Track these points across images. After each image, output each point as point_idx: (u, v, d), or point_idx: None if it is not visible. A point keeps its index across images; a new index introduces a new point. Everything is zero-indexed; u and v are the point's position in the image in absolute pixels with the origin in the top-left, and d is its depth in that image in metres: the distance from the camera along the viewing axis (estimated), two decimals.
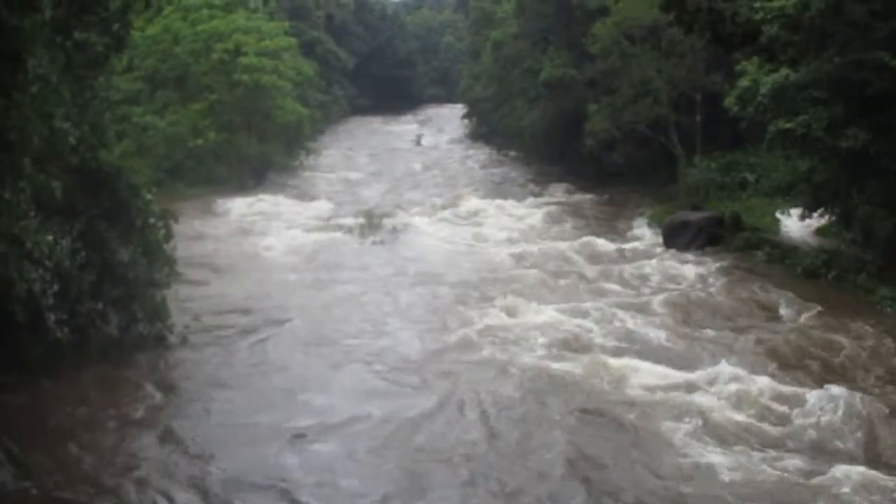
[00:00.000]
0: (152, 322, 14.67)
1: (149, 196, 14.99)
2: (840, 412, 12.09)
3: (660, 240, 24.63)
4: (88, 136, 13.84)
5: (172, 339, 14.86)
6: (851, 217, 20.26)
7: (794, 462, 10.95)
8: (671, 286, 19.80)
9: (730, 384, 13.07)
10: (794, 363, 14.52)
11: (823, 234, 22.58)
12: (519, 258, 22.36)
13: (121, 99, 30.00)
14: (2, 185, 10.66)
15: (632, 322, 16.63)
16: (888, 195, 18.82)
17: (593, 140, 32.53)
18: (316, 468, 10.87)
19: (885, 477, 10.45)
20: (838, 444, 11.51)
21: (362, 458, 11.09)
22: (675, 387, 13.23)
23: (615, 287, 19.78)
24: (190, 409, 12.81)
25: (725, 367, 13.70)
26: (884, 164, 18.57)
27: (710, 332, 16.30)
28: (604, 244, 24.39)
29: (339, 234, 25.56)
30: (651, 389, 13.19)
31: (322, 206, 30.24)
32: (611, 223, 28.20)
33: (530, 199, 32.34)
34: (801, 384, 13.37)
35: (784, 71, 19.89)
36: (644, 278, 20.59)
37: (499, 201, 31.49)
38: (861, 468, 10.67)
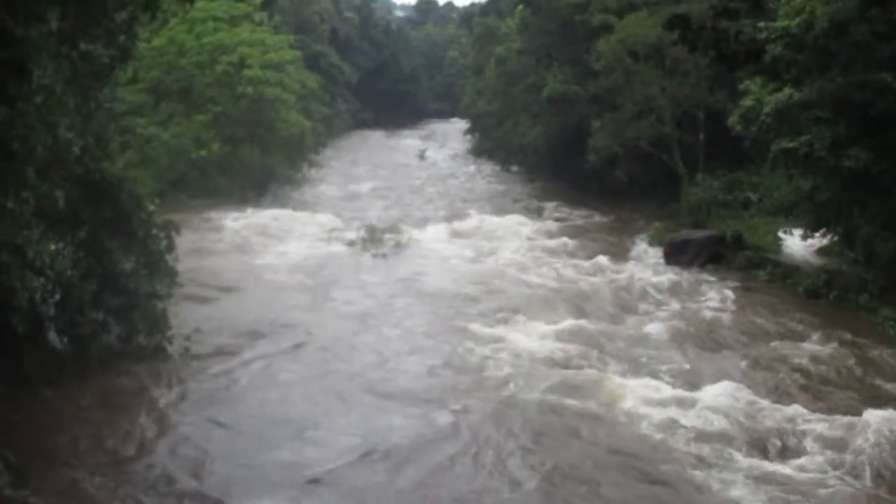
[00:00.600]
0: (152, 333, 14.64)
1: (151, 207, 15.00)
2: (846, 434, 12.07)
3: (661, 258, 24.61)
4: (92, 146, 13.86)
5: (172, 350, 14.83)
6: (853, 237, 20.26)
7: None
8: (672, 305, 19.76)
9: (731, 405, 13.04)
10: (792, 383, 14.46)
11: (825, 253, 22.58)
12: (520, 275, 22.30)
13: (125, 110, 30.17)
14: (5, 194, 10.66)
15: (632, 341, 16.61)
16: (890, 215, 18.83)
17: (596, 156, 32.57)
18: None
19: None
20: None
21: None
22: (673, 402, 13.23)
23: (616, 305, 19.74)
24: (191, 429, 12.46)
25: (725, 388, 13.68)
26: (886, 185, 18.60)
27: (709, 352, 16.26)
28: (605, 261, 24.35)
29: (341, 248, 25.53)
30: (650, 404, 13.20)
31: (325, 220, 30.21)
32: (612, 240, 28.18)
33: (532, 216, 32.35)
34: (796, 404, 13.33)
35: (787, 90, 19.95)
36: (645, 296, 20.55)
37: (501, 217, 31.49)
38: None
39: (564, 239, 27.64)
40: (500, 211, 33.39)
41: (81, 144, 13.12)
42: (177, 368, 14.53)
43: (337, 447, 11.89)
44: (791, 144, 19.92)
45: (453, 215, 31.97)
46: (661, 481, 11.10)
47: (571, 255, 25.31)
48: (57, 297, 13.42)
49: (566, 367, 15.08)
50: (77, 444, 11.63)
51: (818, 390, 14.22)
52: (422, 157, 54.77)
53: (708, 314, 18.80)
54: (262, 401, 13.47)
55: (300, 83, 41.90)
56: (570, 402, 13.39)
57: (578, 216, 32.47)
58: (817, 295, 20.05)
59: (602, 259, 24.39)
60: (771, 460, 11.60)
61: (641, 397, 13.44)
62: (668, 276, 22.67)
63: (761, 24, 18.28)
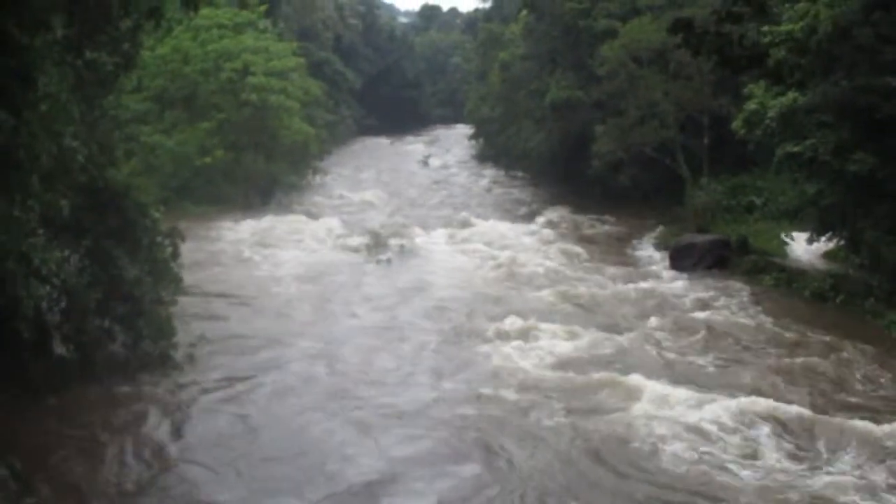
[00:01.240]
0: (157, 340, 14.64)
1: (156, 214, 15.02)
2: (849, 439, 12.05)
3: (666, 262, 24.60)
4: (97, 154, 13.89)
5: (177, 358, 14.83)
6: (859, 241, 20.21)
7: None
8: (677, 308, 19.73)
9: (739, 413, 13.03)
10: (796, 387, 14.43)
11: (831, 258, 22.54)
12: (526, 281, 22.29)
13: (130, 118, 30.27)
14: (10, 202, 10.69)
15: (639, 345, 16.59)
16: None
17: (600, 161, 32.57)
18: None
19: None
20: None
21: None
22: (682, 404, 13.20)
23: (621, 309, 19.71)
24: (197, 440, 12.36)
25: (727, 391, 13.68)
26: (891, 189, 18.56)
27: (715, 356, 16.23)
28: (610, 266, 24.41)
29: (346, 254, 25.56)
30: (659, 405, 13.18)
31: (329, 226, 30.25)
32: (617, 245, 28.18)
33: (537, 221, 32.35)
34: (803, 409, 13.30)
35: (791, 94, 19.93)
36: (650, 300, 20.52)
37: (506, 223, 31.56)
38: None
39: (569, 244, 27.63)
40: (505, 217, 33.46)
41: (86, 152, 13.14)
42: (182, 376, 14.54)
43: (352, 485, 11.13)
44: (795, 148, 19.90)
45: (457, 221, 31.96)
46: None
47: (576, 260, 25.29)
48: (62, 304, 13.42)
49: (581, 377, 14.74)
50: (82, 452, 11.64)
51: (825, 395, 14.18)
52: (425, 162, 54.79)
53: (714, 319, 18.75)
54: (269, 422, 12.95)
55: (304, 90, 41.97)
56: (593, 421, 12.96)
57: (583, 221, 32.44)
58: (823, 299, 20.02)
59: (607, 263, 24.44)
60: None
61: (657, 403, 13.41)
62: (674, 280, 22.68)
63: (765, 28, 18.31)
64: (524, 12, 43.00)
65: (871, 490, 10.79)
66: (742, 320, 18.61)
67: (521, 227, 30.68)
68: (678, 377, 14.76)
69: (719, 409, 13.01)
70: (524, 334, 17.11)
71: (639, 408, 13.26)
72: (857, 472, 11.26)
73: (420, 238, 27.93)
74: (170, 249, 15.16)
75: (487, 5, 76.34)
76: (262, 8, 41.19)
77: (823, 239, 22.00)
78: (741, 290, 21.31)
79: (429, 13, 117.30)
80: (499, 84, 47.63)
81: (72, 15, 11.77)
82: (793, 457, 11.79)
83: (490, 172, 49.44)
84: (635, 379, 14.39)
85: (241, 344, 16.46)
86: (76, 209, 13.03)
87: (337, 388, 14.45)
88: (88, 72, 13.17)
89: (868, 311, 18.66)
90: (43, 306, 12.29)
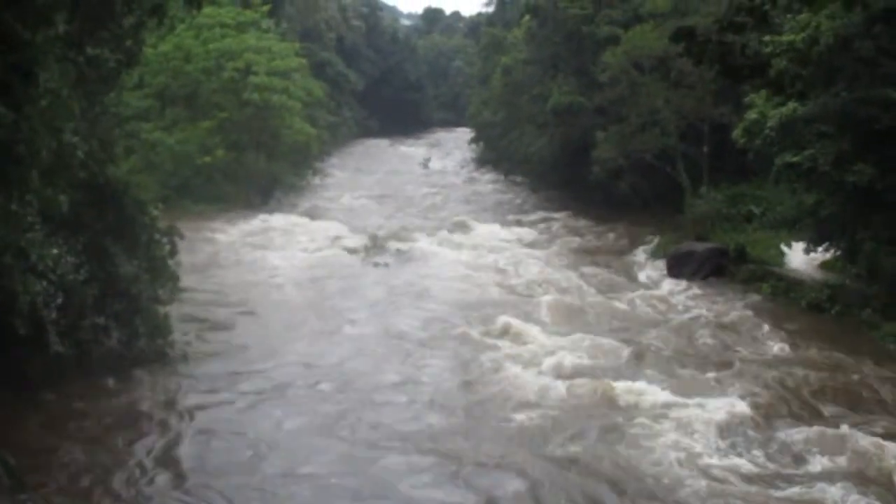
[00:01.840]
0: (154, 338, 14.65)
1: (155, 212, 15.04)
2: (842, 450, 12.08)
3: (664, 270, 24.60)
4: (97, 150, 13.91)
5: (173, 355, 14.84)
6: (857, 252, 20.20)
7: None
8: (673, 316, 19.73)
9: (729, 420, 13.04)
10: (792, 398, 14.41)
11: (829, 268, 22.51)
12: (525, 287, 22.26)
13: (131, 115, 30.31)
14: (9, 197, 10.70)
15: (635, 353, 16.59)
16: (894, 230, 18.79)
17: (600, 168, 32.57)
18: None
19: None
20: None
21: None
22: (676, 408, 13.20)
23: (620, 317, 19.72)
24: (189, 438, 12.28)
25: (724, 400, 13.68)
26: (890, 200, 18.56)
27: (711, 365, 16.22)
28: (608, 272, 24.43)
29: (345, 256, 25.56)
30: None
31: (328, 227, 30.26)
32: (616, 251, 28.19)
33: (536, 226, 32.37)
34: (798, 420, 13.31)
35: (792, 104, 19.93)
36: (648, 308, 20.53)
37: (505, 227, 31.54)
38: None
39: (568, 250, 27.68)
40: (504, 221, 33.43)
41: (86, 148, 13.17)
42: (177, 373, 14.54)
43: None
44: (795, 159, 19.90)
45: (456, 225, 31.95)
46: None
47: (574, 265, 25.30)
48: (59, 300, 13.40)
49: (584, 391, 14.39)
50: (77, 448, 11.63)
51: (814, 406, 14.17)
52: (426, 165, 54.80)
53: (710, 328, 18.75)
54: (266, 450, 12.11)
55: (306, 91, 42.03)
56: (598, 442, 12.64)
57: (582, 227, 32.46)
58: (820, 309, 20.01)
59: (606, 269, 24.45)
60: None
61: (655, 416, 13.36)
62: (671, 288, 22.68)
63: (766, 38, 18.29)
64: (527, 17, 43.00)
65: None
66: (739, 330, 18.60)
67: (520, 232, 30.69)
68: (675, 387, 14.71)
69: (709, 419, 13.03)
70: (526, 345, 16.77)
71: (640, 421, 13.18)
72: (852, 485, 11.24)
73: (418, 241, 27.92)
74: (168, 247, 15.18)
75: (490, 9, 76.48)
76: (265, 8, 41.24)
77: (821, 249, 21.99)
78: (738, 299, 21.32)
79: (432, 16, 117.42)
80: (501, 88, 47.59)
81: (74, 11, 11.78)
82: (786, 468, 11.78)
83: (490, 177, 49.45)
84: (636, 389, 14.36)
85: (237, 347, 16.37)
86: (75, 205, 13.04)
87: (336, 403, 13.84)
88: (90, 68, 13.18)
89: (864, 322, 18.65)
90: (39, 302, 12.26)
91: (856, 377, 15.43)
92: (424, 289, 21.83)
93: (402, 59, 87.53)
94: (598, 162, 32.56)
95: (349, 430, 12.75)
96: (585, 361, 15.89)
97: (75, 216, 13.41)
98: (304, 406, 13.70)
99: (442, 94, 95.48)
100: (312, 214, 33.45)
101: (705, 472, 11.52)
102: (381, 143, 67.82)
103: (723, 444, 12.33)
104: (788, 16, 19.58)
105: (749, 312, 19.91)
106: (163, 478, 11.03)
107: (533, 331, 17.74)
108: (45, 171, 11.33)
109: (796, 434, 12.70)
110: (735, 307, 20.46)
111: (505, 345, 16.90)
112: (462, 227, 31.39)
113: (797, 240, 23.35)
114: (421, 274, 23.49)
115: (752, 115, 21.92)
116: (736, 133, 23.13)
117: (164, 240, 15.14)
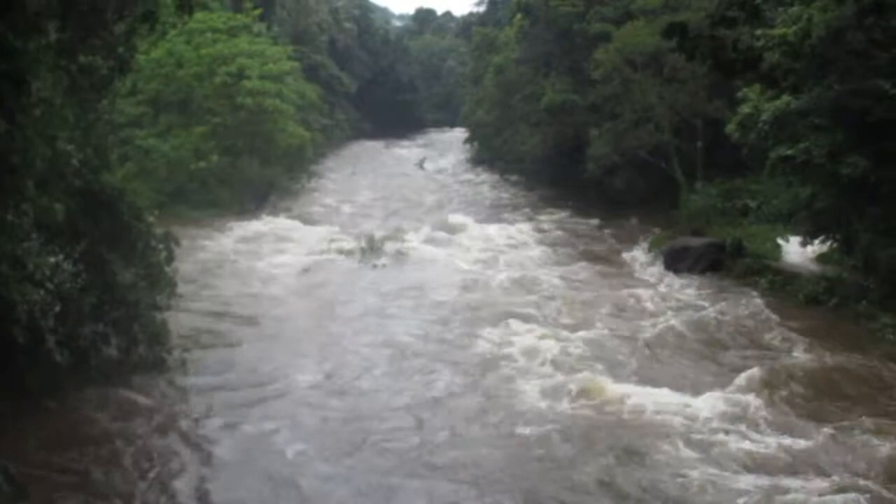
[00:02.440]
0: (152, 345, 14.63)
1: (151, 219, 15.02)
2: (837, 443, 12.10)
3: (661, 265, 24.64)
4: (91, 158, 13.89)
5: (172, 363, 14.81)
6: (853, 244, 20.26)
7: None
8: (671, 312, 19.73)
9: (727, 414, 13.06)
10: (790, 392, 14.42)
11: (825, 260, 22.58)
12: (523, 285, 22.22)
13: (124, 122, 30.19)
14: (4, 206, 10.69)
15: (634, 349, 16.61)
16: (889, 222, 18.84)
17: (595, 165, 32.64)
18: None
19: None
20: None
21: None
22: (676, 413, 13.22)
23: (617, 313, 19.75)
24: (189, 449, 12.20)
25: (723, 395, 13.71)
26: (885, 192, 18.62)
27: (708, 360, 16.26)
28: (605, 269, 24.46)
29: (342, 260, 25.51)
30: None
31: (325, 231, 30.23)
32: (612, 248, 28.21)
33: (532, 224, 32.37)
34: (798, 415, 13.33)
35: (785, 98, 19.98)
36: (644, 304, 20.53)
37: (501, 226, 31.53)
38: None
39: (563, 248, 27.70)
40: (500, 220, 33.43)
41: (81, 157, 13.15)
42: (176, 381, 14.50)
43: None
44: (789, 152, 19.94)
45: (452, 225, 31.92)
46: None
47: (571, 262, 25.35)
48: (56, 309, 13.37)
49: (593, 403, 13.96)
50: (76, 457, 11.62)
51: (816, 399, 14.20)
52: (421, 166, 54.83)
53: (707, 322, 18.78)
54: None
55: (299, 94, 42.04)
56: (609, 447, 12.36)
57: (578, 224, 32.48)
58: (817, 302, 20.05)
59: (602, 266, 24.49)
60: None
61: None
62: (668, 284, 22.72)
63: (759, 31, 18.33)
64: (518, 16, 43.06)
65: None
66: (736, 324, 18.64)
67: (516, 231, 30.67)
68: (673, 382, 14.75)
69: (709, 412, 13.10)
70: (533, 357, 16.12)
71: (648, 417, 13.22)
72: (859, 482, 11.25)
73: (415, 243, 27.89)
74: (164, 254, 15.13)
75: (482, 9, 76.73)
76: (257, 12, 41.21)
77: (817, 242, 22.04)
78: (736, 293, 21.34)
79: (423, 17, 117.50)
80: (494, 88, 47.68)
81: (66, 19, 11.77)
82: (788, 465, 11.80)
83: (485, 176, 49.46)
84: (637, 391, 14.29)
85: (235, 358, 16.11)
86: (70, 213, 13.01)
87: (343, 424, 13.29)
88: (83, 76, 13.16)
89: (862, 315, 18.69)
90: (37, 311, 12.24)
91: (855, 368, 15.46)
92: (424, 293, 21.68)
93: (395, 61, 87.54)
94: (593, 159, 32.63)
95: (359, 457, 12.04)
96: (587, 362, 15.75)
97: (71, 224, 13.38)
98: (309, 429, 13.08)
99: (435, 95, 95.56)
100: (308, 218, 33.40)
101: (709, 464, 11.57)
102: (376, 145, 67.80)
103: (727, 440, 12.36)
104: (780, 9, 19.66)
105: (746, 307, 19.93)
106: (162, 490, 11.00)
107: (536, 334, 17.54)
108: (40, 180, 11.33)
109: (802, 429, 12.73)
110: (732, 302, 20.46)
111: (511, 353, 16.43)
112: (459, 227, 31.35)
113: (793, 233, 23.41)
114: (420, 278, 23.37)
115: (745, 109, 21.96)
116: (730, 127, 23.18)
117: (161, 246, 15.10)
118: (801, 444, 12.26)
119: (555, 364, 15.69)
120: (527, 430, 12.87)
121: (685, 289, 22.08)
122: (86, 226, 13.86)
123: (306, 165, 41.63)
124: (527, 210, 36.98)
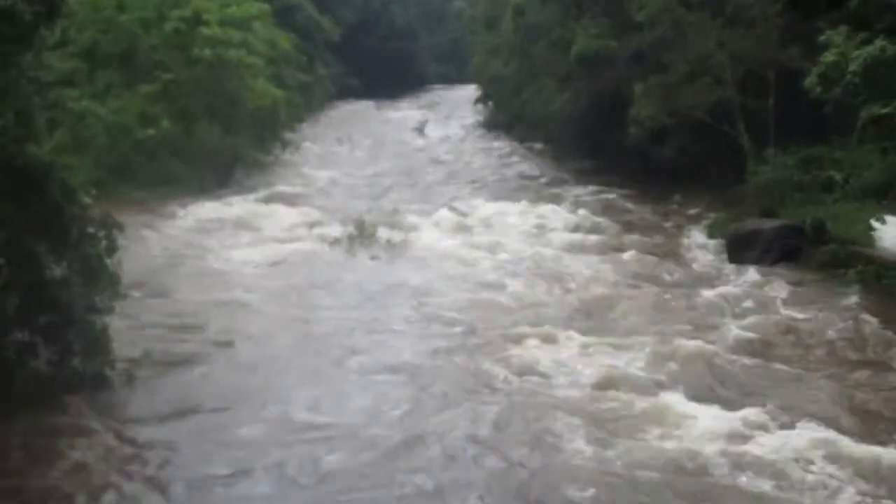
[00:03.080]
0: (90, 356, 14.60)
1: (87, 200, 14.98)
2: None
3: (723, 254, 24.61)
4: (13, 125, 13.86)
5: (114, 377, 14.78)
6: None
7: None
8: (736, 313, 19.65)
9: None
10: (884, 416, 14.29)
11: None
12: (548, 282, 22.16)
13: (53, 80, 30.12)
14: None
15: (691, 361, 16.50)
16: None
17: (639, 129, 32.58)
18: None
19: None
20: None
21: None
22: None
23: (668, 315, 19.67)
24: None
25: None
26: None
27: (786, 373, 16.16)
28: (652, 260, 24.39)
29: (325, 251, 25.42)
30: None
31: (303, 214, 30.21)
32: (661, 233, 28.20)
33: (562, 205, 32.30)
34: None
35: (879, 43, 19.90)
36: (703, 303, 20.49)
37: (521, 206, 31.46)
38: None
39: (600, 234, 27.65)
40: (520, 198, 33.36)
41: (0, 124, 13.11)
42: (120, 401, 14.44)
43: None
44: (884, 111, 19.92)
45: (461, 205, 31.94)
46: None
47: (610, 251, 25.32)
48: None
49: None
50: None
51: None
52: (421, 131, 54.84)
53: (780, 325, 18.69)
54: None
55: (269, 43, 41.98)
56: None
57: (618, 203, 32.49)
58: None
59: (649, 256, 24.45)
60: None
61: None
62: (733, 278, 22.67)
63: None
64: None
65: None
66: (821, 332, 18.46)
67: (543, 214, 30.60)
68: (746, 402, 14.62)
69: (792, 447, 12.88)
70: (557, 367, 15.96)
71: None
72: None
73: (415, 231, 27.77)
74: (104, 243, 15.09)
75: None
76: None
77: None
78: (817, 288, 21.28)
79: None
80: (512, 34, 47.59)
81: None
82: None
83: (501, 144, 49.45)
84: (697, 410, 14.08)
85: (195, 379, 15.71)
86: None
87: (344, 479, 12.46)
88: (1, 24, 13.12)
89: None
90: None
91: None
92: (425, 294, 21.30)
93: (388, 1, 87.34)
94: (636, 122, 32.58)
95: None
96: (632, 385, 15.21)
97: None
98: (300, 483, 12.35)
99: (439, 44, 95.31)
100: (283, 198, 33.38)
101: None
102: (365, 106, 67.75)
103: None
104: None
105: (831, 305, 19.85)
106: None
107: (567, 347, 17.08)
108: None
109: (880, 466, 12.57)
110: (812, 299, 20.40)
111: (534, 370, 15.97)
112: (470, 209, 31.32)
113: (889, 212, 23.32)
114: (424, 274, 23.12)
115: (829, 57, 21.89)
116: (809, 80, 23.15)
117: (100, 234, 15.06)
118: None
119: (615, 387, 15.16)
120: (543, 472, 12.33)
121: (752, 283, 21.96)
122: (7, 210, 13.83)
123: (280, 132, 41.59)
124: (554, 186, 36.97)
